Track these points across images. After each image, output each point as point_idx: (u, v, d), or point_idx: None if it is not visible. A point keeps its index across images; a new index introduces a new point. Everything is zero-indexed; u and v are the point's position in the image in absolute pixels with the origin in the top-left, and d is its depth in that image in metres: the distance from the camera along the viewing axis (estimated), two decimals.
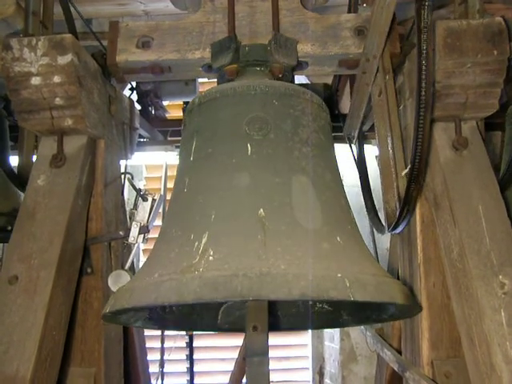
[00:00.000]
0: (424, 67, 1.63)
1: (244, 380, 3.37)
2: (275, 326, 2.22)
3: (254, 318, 1.50)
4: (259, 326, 1.48)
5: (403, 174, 2.09)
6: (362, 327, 3.02)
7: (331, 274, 1.50)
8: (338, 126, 3.29)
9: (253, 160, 1.79)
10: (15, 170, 2.98)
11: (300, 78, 4.02)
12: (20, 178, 2.79)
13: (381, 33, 2.08)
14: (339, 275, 1.50)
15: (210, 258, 1.56)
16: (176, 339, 5.09)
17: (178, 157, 3.68)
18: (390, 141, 2.24)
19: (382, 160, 2.32)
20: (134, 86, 3.34)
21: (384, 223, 2.40)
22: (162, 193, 4.58)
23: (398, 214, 2.13)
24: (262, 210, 1.66)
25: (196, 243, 1.63)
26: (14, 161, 3.03)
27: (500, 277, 1.83)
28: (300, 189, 1.77)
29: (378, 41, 2.13)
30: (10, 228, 2.68)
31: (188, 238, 1.67)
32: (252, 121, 1.84)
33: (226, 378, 3.53)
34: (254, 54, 2.17)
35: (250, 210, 1.68)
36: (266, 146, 1.81)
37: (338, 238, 1.71)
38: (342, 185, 2.02)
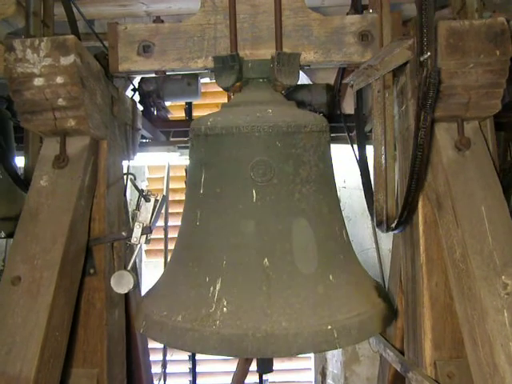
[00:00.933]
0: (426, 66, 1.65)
1: (246, 380, 3.37)
2: None
3: (263, 369, 2.10)
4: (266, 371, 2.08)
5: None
6: None
7: (323, 328, 1.82)
8: (339, 126, 3.30)
9: (257, 207, 1.95)
10: (21, 172, 2.98)
11: (302, 78, 4.03)
12: (26, 181, 2.79)
13: (388, 68, 2.16)
14: (329, 327, 1.82)
15: (224, 309, 1.85)
16: None
17: (180, 157, 3.71)
18: (383, 140, 2.26)
19: (375, 159, 2.35)
20: (137, 86, 3.34)
21: (374, 221, 2.42)
22: (164, 193, 4.59)
23: (386, 213, 2.17)
24: (266, 259, 1.90)
25: (211, 288, 1.90)
26: (19, 162, 3.04)
27: (503, 277, 1.83)
28: (299, 232, 1.97)
29: (382, 72, 2.20)
30: None
31: (204, 279, 1.93)
32: (256, 165, 1.96)
33: (229, 379, 3.53)
34: (258, 71, 2.18)
35: (256, 260, 1.91)
36: (270, 191, 1.96)
37: (331, 277, 1.96)
38: (337, 199, 2.20)
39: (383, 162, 2.32)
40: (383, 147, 2.30)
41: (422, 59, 1.76)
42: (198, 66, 2.34)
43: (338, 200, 2.21)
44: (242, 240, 1.95)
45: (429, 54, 1.74)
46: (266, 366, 2.12)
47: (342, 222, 2.16)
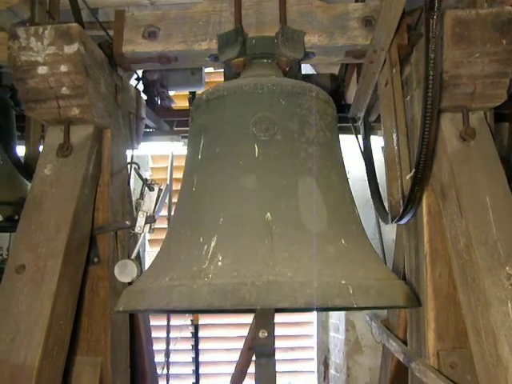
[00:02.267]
0: (432, 60, 1.63)
1: (249, 370, 3.38)
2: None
3: (262, 324, 1.58)
4: (267, 331, 1.56)
5: (408, 177, 2.10)
6: (368, 318, 3.02)
7: (335, 282, 1.57)
8: (344, 116, 3.28)
9: (260, 162, 1.82)
10: (22, 160, 2.99)
11: (306, 68, 4.02)
12: (27, 168, 2.80)
13: (389, 28, 2.08)
14: (343, 282, 1.57)
15: (219, 263, 1.62)
16: (182, 329, 5.11)
17: (184, 147, 3.70)
18: (395, 132, 2.24)
19: (387, 152, 2.32)
20: (141, 75, 3.33)
21: (388, 215, 2.40)
22: (168, 183, 4.58)
23: (403, 204, 2.13)
24: (269, 213, 1.71)
25: (205, 247, 1.68)
26: (20, 150, 3.04)
27: (507, 268, 1.83)
28: (306, 191, 1.81)
29: (386, 34, 2.12)
30: (17, 217, 2.69)
31: (197, 241, 1.72)
32: (259, 121, 1.86)
33: (232, 368, 3.54)
34: (261, 46, 2.18)
35: (257, 214, 1.73)
36: (273, 147, 1.84)
37: (343, 241, 1.76)
38: (348, 182, 2.05)
39: (396, 154, 2.24)
40: (395, 139, 2.24)
41: None
42: (202, 49, 2.34)
43: (346, 177, 2.08)
44: (242, 196, 1.79)
45: None
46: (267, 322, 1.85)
47: (352, 198, 2.03)
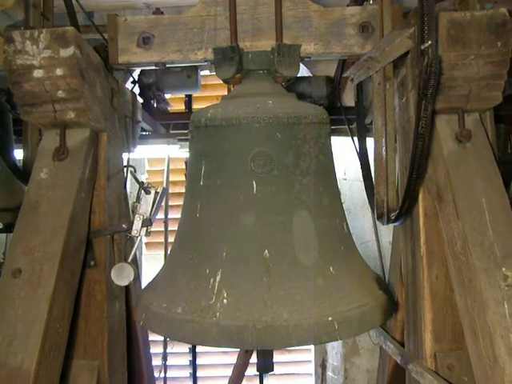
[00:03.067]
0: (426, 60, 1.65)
1: (246, 373, 3.38)
2: None
3: (263, 367, 2.08)
4: (267, 367, 2.06)
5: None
6: None
7: (323, 320, 1.82)
8: (340, 119, 3.29)
9: (258, 198, 1.96)
10: (20, 164, 2.98)
11: (302, 71, 4.03)
12: (25, 173, 2.79)
13: (388, 59, 2.16)
14: (330, 319, 1.82)
15: (225, 300, 1.85)
16: None
17: (180, 150, 3.71)
18: (384, 132, 2.26)
19: (376, 151, 2.34)
20: (137, 79, 3.33)
21: (375, 214, 2.42)
22: (164, 186, 4.58)
23: (387, 205, 2.19)
24: (266, 251, 1.90)
25: (211, 280, 1.91)
26: (18, 154, 3.04)
27: (503, 269, 1.83)
28: (300, 224, 1.97)
29: (383, 64, 2.20)
30: None
31: (204, 271, 1.94)
32: (257, 157, 1.96)
33: (229, 371, 3.54)
34: (258, 62, 2.20)
35: (256, 251, 1.92)
36: (270, 182, 1.96)
37: (331, 269, 1.96)
38: (339, 196, 2.21)
39: (384, 154, 2.31)
40: (384, 139, 2.30)
41: (422, 48, 1.74)
42: (198, 58, 2.34)
43: (338, 192, 2.21)
44: (243, 232, 1.96)
45: (430, 42, 1.73)
46: (266, 360, 2.11)
47: (343, 214, 2.17)
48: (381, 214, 2.35)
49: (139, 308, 2.08)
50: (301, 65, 2.29)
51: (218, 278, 1.90)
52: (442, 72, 1.94)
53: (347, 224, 2.16)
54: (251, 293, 1.86)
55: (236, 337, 1.78)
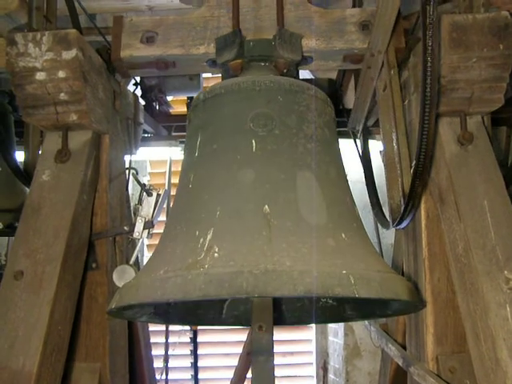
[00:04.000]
0: (429, 63, 1.63)
1: (248, 375, 3.38)
2: (280, 320, 2.23)
3: (259, 317, 1.51)
4: (264, 326, 1.49)
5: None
6: (367, 322, 3.02)
7: (336, 271, 1.52)
8: (342, 121, 3.29)
9: (258, 156, 1.80)
10: (21, 166, 2.99)
11: (304, 74, 4.02)
12: (26, 174, 2.80)
13: (386, 28, 2.08)
14: (344, 272, 1.52)
15: (215, 254, 1.57)
16: (180, 334, 5.10)
17: (182, 152, 3.70)
18: (394, 136, 2.24)
19: (386, 155, 2.32)
20: (139, 81, 3.34)
21: (389, 219, 2.40)
22: (166, 188, 4.58)
23: (402, 209, 2.13)
24: (267, 206, 1.67)
25: (201, 240, 1.64)
26: (20, 156, 3.04)
27: (505, 272, 1.83)
28: (305, 185, 1.78)
29: (382, 36, 2.13)
30: (17, 224, 2.69)
31: (193, 235, 1.69)
32: (257, 117, 1.85)
33: (231, 373, 3.54)
34: (259, 49, 2.17)
35: (255, 207, 1.69)
36: (271, 141, 1.82)
37: (343, 235, 1.72)
38: (347, 181, 2.03)
39: (396, 156, 2.23)
40: (395, 143, 2.23)
41: None
42: (200, 53, 2.34)
43: (345, 174, 2.05)
44: (240, 190, 1.76)
45: None
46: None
47: (352, 196, 1.99)
48: (395, 220, 2.28)
49: (114, 296, 1.79)
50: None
51: (208, 237, 1.63)
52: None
53: (356, 207, 1.98)
54: (248, 245, 1.59)
55: (227, 283, 1.46)
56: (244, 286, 1.45)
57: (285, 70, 2.19)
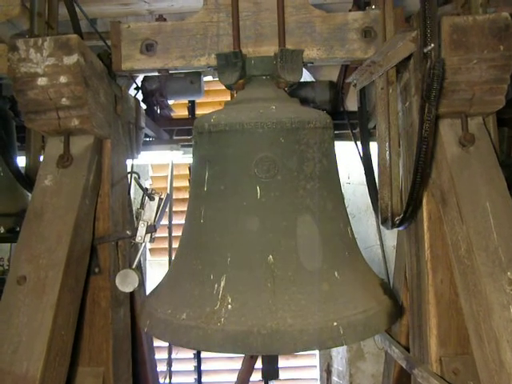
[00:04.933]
0: (430, 66, 1.65)
1: (251, 378, 3.37)
2: None
3: (267, 373, 2.10)
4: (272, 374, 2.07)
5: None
6: None
7: (328, 325, 1.81)
8: (343, 123, 3.30)
9: (262, 203, 1.95)
10: (23, 171, 2.99)
11: (305, 76, 4.03)
12: (27, 179, 2.80)
13: (391, 63, 2.17)
14: (335, 324, 1.81)
15: (229, 306, 1.85)
16: None
17: (184, 156, 3.71)
18: (387, 137, 2.26)
19: (380, 156, 2.35)
20: (140, 85, 3.34)
21: (379, 218, 2.41)
22: (168, 192, 4.59)
23: (391, 209, 2.21)
24: (271, 256, 1.90)
25: (216, 286, 1.90)
26: (21, 161, 3.05)
27: (508, 273, 1.83)
28: (304, 229, 1.96)
29: (386, 68, 2.20)
30: (18, 229, 2.69)
31: (208, 277, 1.94)
32: (260, 162, 1.96)
33: (234, 377, 3.53)
34: (261, 68, 2.19)
35: (260, 256, 1.91)
36: (274, 188, 1.96)
37: (336, 274, 1.96)
38: (342, 200, 2.19)
39: (388, 158, 2.31)
40: (387, 144, 2.30)
41: (425, 51, 1.74)
42: (201, 64, 2.35)
43: (342, 197, 2.20)
44: (247, 237, 1.96)
45: (432, 45, 1.73)
46: (271, 366, 2.11)
47: (347, 218, 2.16)
48: (385, 219, 2.35)
49: (143, 315, 2.09)
50: (304, 70, 2.29)
51: (222, 284, 1.89)
52: (444, 75, 1.94)
53: (351, 228, 2.16)
54: (256, 298, 1.85)
55: (241, 342, 1.78)
56: (254, 345, 1.77)
57: (286, 88, 2.21)
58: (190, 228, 2.15)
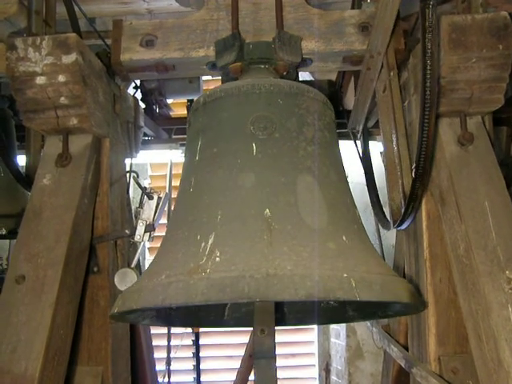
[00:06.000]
0: (429, 66, 1.64)
1: (251, 377, 3.37)
2: (282, 321, 2.23)
3: (261, 321, 1.50)
4: (266, 329, 1.48)
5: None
6: (369, 323, 3.02)
7: (337, 274, 1.52)
8: (342, 122, 3.29)
9: (258, 160, 1.80)
10: (23, 170, 2.99)
11: (304, 75, 4.03)
12: (27, 179, 2.80)
13: (385, 29, 2.09)
14: (345, 275, 1.52)
15: (217, 258, 1.58)
16: (183, 337, 5.10)
17: (183, 154, 3.71)
18: (394, 137, 2.24)
19: (386, 157, 2.33)
20: (138, 84, 3.34)
21: (389, 220, 2.40)
22: (167, 191, 4.58)
23: (403, 210, 2.13)
24: (267, 210, 1.68)
25: (202, 244, 1.65)
26: (21, 161, 3.05)
27: (507, 272, 1.83)
28: (305, 188, 1.78)
29: (382, 37, 2.13)
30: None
31: (195, 239, 1.69)
32: (257, 120, 1.85)
33: (233, 376, 3.54)
34: (258, 51, 2.17)
35: (256, 211, 1.69)
36: (271, 145, 1.82)
37: (344, 238, 1.72)
38: (348, 183, 2.03)
39: (396, 157, 2.24)
40: (395, 144, 2.24)
41: None
42: (200, 55, 2.35)
43: (346, 176, 2.05)
44: (240, 194, 1.76)
45: None
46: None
47: (352, 199, 2.00)
48: (396, 221, 2.29)
49: (116, 301, 1.79)
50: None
51: (210, 241, 1.64)
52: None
53: (357, 209, 1.99)
54: (249, 249, 1.60)
55: (229, 288, 1.46)
56: (246, 290, 1.45)
57: (284, 73, 2.19)
58: (178, 202, 1.99)
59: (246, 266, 1.52)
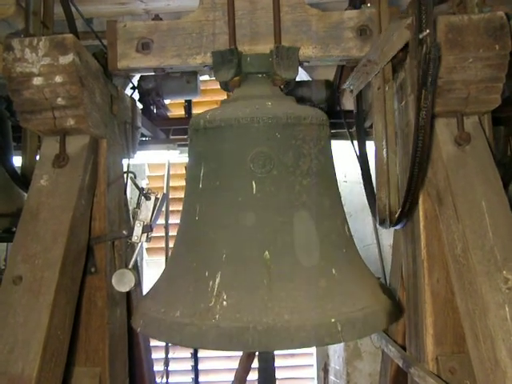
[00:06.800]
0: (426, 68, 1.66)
1: (249, 378, 3.37)
2: None
3: (263, 366, 2.03)
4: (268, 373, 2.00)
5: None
6: None
7: (326, 322, 1.77)
8: (339, 122, 3.30)
9: (257, 199, 1.93)
10: (18, 171, 2.99)
11: (301, 75, 4.03)
12: (23, 179, 2.80)
13: (387, 58, 2.16)
14: (333, 320, 1.77)
15: (224, 302, 1.80)
16: None
17: (180, 155, 3.71)
18: (384, 137, 2.26)
19: (377, 156, 2.34)
20: (136, 85, 3.34)
21: (377, 218, 2.41)
22: (164, 191, 4.59)
23: (389, 209, 2.21)
24: (267, 252, 1.86)
25: (210, 282, 1.86)
26: (17, 161, 3.05)
27: (504, 272, 1.83)
28: (301, 225, 1.94)
29: (381, 53, 2.18)
30: (14, 229, 2.70)
31: (203, 274, 1.89)
32: (256, 157, 1.94)
33: (231, 376, 3.53)
34: (256, 65, 2.18)
35: (256, 252, 1.88)
36: (269, 183, 1.94)
37: (334, 271, 1.93)
38: (339, 198, 2.17)
39: (385, 158, 2.30)
40: (384, 143, 2.29)
41: (421, 37, 1.73)
42: (197, 63, 2.35)
43: (339, 195, 2.18)
44: (242, 233, 1.92)
45: (428, 31, 1.71)
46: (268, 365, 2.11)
47: (344, 216, 2.14)
48: (383, 219, 2.35)
49: (137, 315, 2.06)
50: (300, 69, 2.29)
51: (217, 281, 1.85)
52: (440, 59, 1.92)
53: (348, 226, 2.14)
54: (251, 294, 1.82)
55: (236, 339, 1.73)
56: (250, 341, 1.72)
57: (282, 86, 2.21)
58: (185, 225, 2.13)
59: (250, 315, 1.76)
